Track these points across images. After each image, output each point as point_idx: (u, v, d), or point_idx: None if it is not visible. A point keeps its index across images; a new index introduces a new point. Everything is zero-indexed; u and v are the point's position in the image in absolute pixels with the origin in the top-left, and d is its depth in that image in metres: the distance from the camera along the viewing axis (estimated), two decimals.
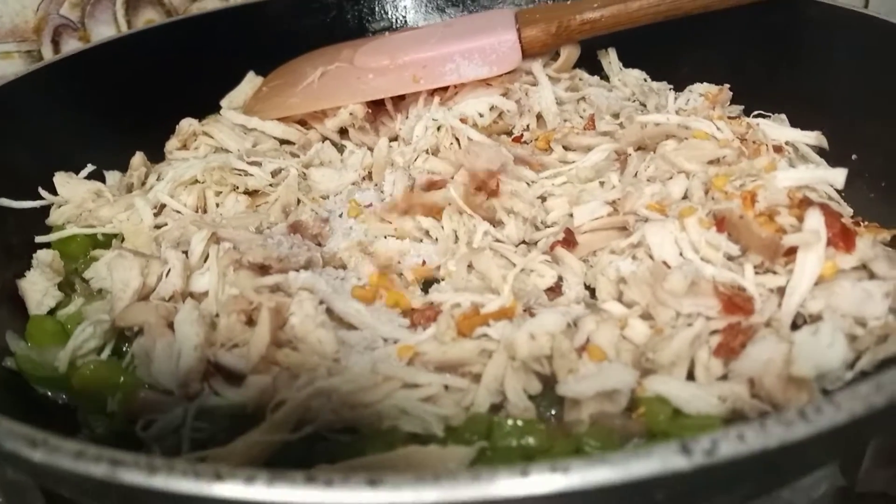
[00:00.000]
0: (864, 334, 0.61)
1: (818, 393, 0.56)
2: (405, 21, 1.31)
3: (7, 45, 1.45)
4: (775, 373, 0.55)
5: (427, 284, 0.79)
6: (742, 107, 1.04)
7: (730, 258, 0.69)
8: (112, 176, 1.01)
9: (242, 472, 0.35)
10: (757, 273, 0.67)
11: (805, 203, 0.67)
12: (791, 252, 0.66)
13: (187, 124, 1.04)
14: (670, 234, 0.68)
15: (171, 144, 1.04)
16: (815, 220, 0.65)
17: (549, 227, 0.84)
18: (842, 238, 0.65)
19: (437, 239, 0.81)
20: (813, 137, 0.85)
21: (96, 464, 0.37)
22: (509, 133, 1.03)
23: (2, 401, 0.66)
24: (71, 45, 1.47)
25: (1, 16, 1.41)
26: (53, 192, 0.93)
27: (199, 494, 0.36)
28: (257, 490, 0.35)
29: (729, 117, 0.86)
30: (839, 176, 0.72)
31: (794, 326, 0.65)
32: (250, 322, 0.65)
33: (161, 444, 0.59)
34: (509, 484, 0.34)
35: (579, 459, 0.34)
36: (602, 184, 0.84)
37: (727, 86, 0.99)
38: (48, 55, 1.47)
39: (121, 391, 0.64)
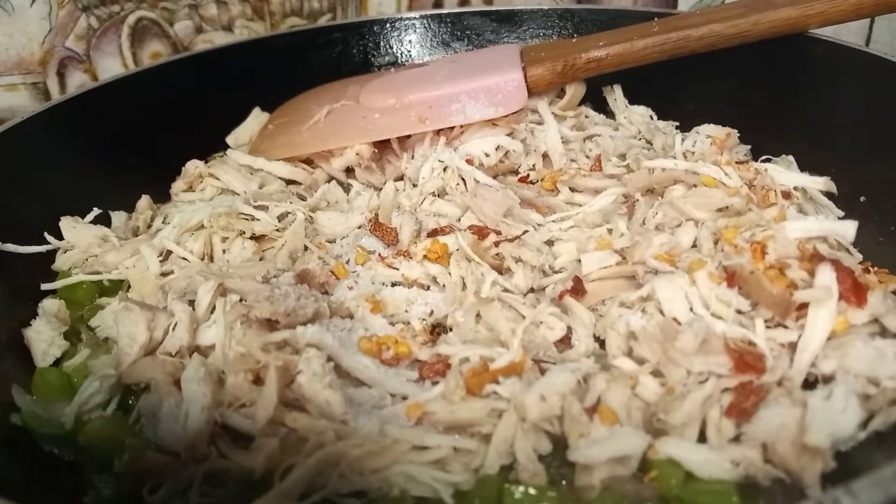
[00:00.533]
0: (877, 394, 0.61)
1: (831, 461, 0.55)
2: (410, 55, 1.32)
3: (13, 77, 1.46)
4: (789, 439, 0.55)
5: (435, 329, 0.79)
6: (749, 146, 1.04)
7: (740, 312, 0.68)
8: (118, 216, 1.01)
9: None
10: (768, 327, 0.67)
11: (816, 258, 0.67)
12: (803, 306, 0.66)
13: (193, 167, 1.04)
14: (680, 289, 0.68)
15: (178, 186, 1.04)
16: (826, 276, 0.64)
17: (557, 272, 0.83)
18: (854, 293, 0.65)
19: (444, 286, 0.81)
20: (822, 183, 0.85)
21: None
22: (515, 172, 1.02)
23: (9, 459, 0.65)
24: (76, 78, 1.48)
25: (7, 48, 1.42)
26: (59, 236, 0.93)
27: None
28: None
29: (737, 162, 0.86)
30: (850, 229, 0.72)
31: (807, 383, 0.64)
32: (258, 381, 0.65)
33: None
34: None
35: None
36: (610, 231, 0.83)
37: (734, 131, 0.99)
38: (53, 87, 1.47)
39: (127, 452, 0.63)
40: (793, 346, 0.65)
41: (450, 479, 0.58)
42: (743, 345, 0.64)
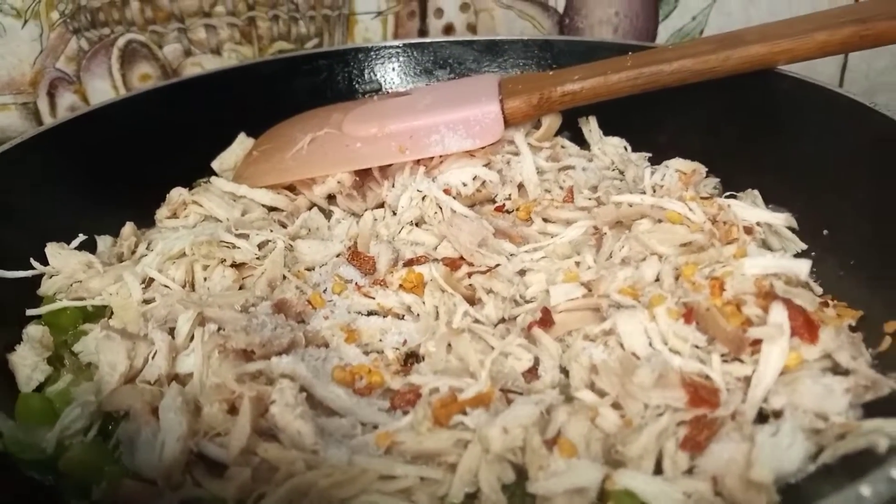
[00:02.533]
0: (826, 428, 0.64)
1: (775, 495, 0.58)
2: (394, 82, 1.35)
3: (4, 97, 1.48)
4: (737, 473, 0.57)
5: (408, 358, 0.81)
6: (718, 180, 1.07)
7: (698, 347, 0.71)
8: (103, 241, 1.03)
9: None
10: (725, 361, 0.70)
11: (770, 296, 0.70)
12: (757, 342, 0.68)
13: (177, 194, 1.06)
14: (640, 324, 0.71)
15: (162, 213, 1.07)
16: (779, 314, 0.68)
17: (528, 301, 0.86)
18: (806, 330, 0.68)
19: (418, 315, 0.83)
20: (783, 219, 0.88)
21: None
22: (492, 201, 1.06)
23: None
24: (66, 98, 1.50)
25: None
26: (45, 261, 0.95)
27: None
28: None
29: (702, 197, 0.89)
30: (804, 267, 0.75)
31: (761, 416, 0.67)
32: (233, 410, 0.67)
33: None
34: None
35: None
36: (578, 263, 0.86)
37: (701, 166, 1.02)
38: (44, 107, 1.50)
39: (105, 479, 0.65)
40: (748, 381, 0.68)
41: None
42: (699, 379, 0.67)
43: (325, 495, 0.60)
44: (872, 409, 0.68)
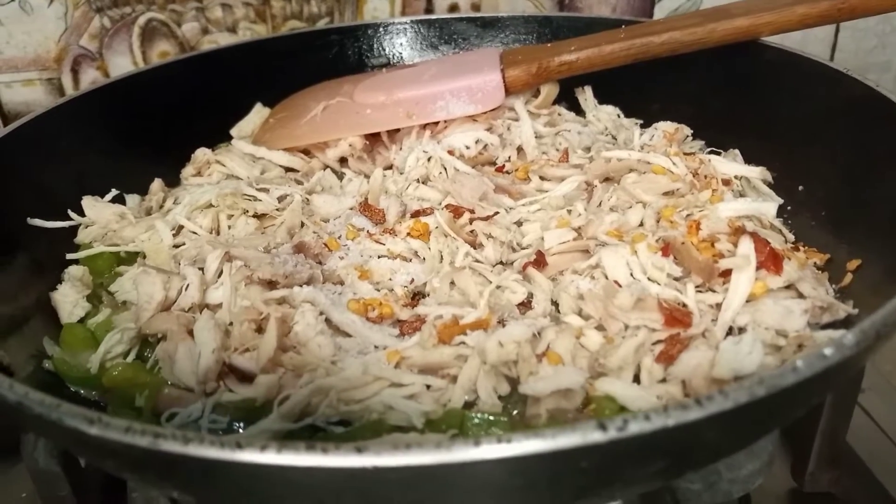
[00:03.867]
0: (786, 344, 0.72)
1: None
2: (401, 57, 1.42)
3: (30, 73, 1.56)
4: (702, 375, 0.66)
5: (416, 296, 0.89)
6: (703, 142, 1.15)
7: (676, 279, 0.79)
8: (132, 199, 1.12)
9: (258, 442, 0.45)
10: (699, 291, 0.78)
11: (739, 231, 0.78)
12: (728, 273, 0.77)
13: (202, 154, 1.14)
14: (622, 258, 0.79)
15: (187, 171, 1.15)
16: (745, 247, 0.76)
17: (524, 248, 0.94)
18: (771, 261, 0.76)
19: (424, 259, 0.92)
20: (758, 172, 0.96)
21: (142, 436, 0.48)
22: (493, 163, 1.13)
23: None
24: (89, 74, 1.57)
25: (25, 46, 1.51)
26: (81, 213, 1.03)
27: (224, 459, 0.46)
28: (269, 456, 0.45)
29: (685, 153, 0.97)
30: (771, 208, 0.83)
31: (729, 334, 0.75)
32: (260, 330, 0.76)
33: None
34: (464, 451, 0.44)
35: (519, 433, 0.45)
36: (570, 212, 0.94)
37: (683, 126, 1.10)
38: (67, 83, 1.57)
39: (147, 389, 0.74)
40: (719, 307, 0.76)
41: (422, 408, 0.68)
42: (674, 304, 0.75)
43: (343, 397, 0.68)
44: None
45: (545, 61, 1.15)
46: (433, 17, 1.43)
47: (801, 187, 1.02)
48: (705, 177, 0.92)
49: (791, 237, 0.93)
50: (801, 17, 1.06)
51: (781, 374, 0.49)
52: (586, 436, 0.45)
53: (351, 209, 1.03)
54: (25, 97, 1.57)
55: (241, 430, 0.68)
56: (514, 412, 0.72)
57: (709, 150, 1.07)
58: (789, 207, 1.01)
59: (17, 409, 0.54)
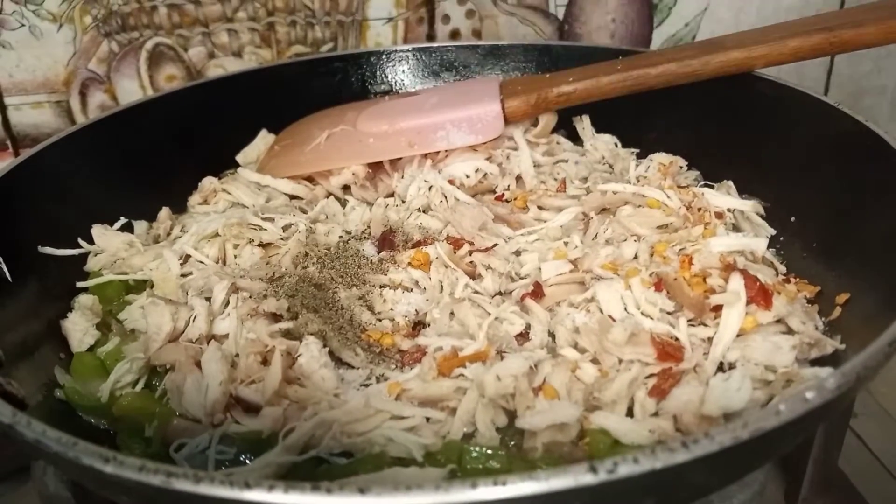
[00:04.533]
0: (774, 380, 0.74)
1: None
2: (404, 84, 1.45)
3: (39, 95, 1.58)
4: (692, 411, 0.68)
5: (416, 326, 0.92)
6: (697, 172, 1.17)
7: (669, 313, 0.82)
8: (140, 225, 1.14)
9: (266, 482, 0.48)
10: (692, 325, 0.80)
11: (730, 268, 0.80)
12: (719, 308, 0.79)
13: (209, 182, 1.17)
14: (617, 293, 0.82)
15: (194, 199, 1.18)
16: (736, 283, 0.78)
17: (522, 278, 0.97)
18: (761, 297, 0.78)
19: (424, 288, 0.94)
20: (749, 206, 0.99)
21: (155, 475, 0.50)
22: (493, 192, 1.16)
23: (55, 425, 0.78)
24: (97, 98, 1.60)
25: (35, 70, 1.54)
26: (91, 241, 1.06)
27: (233, 498, 0.48)
28: (276, 496, 0.48)
29: (679, 186, 1.00)
30: (761, 245, 0.86)
31: (720, 370, 0.77)
32: (265, 362, 0.78)
33: (190, 463, 0.72)
34: (461, 493, 0.47)
35: (514, 475, 0.47)
36: (566, 244, 0.97)
37: (679, 158, 1.12)
38: (76, 106, 1.60)
39: (157, 419, 0.76)
40: (710, 340, 0.79)
41: (421, 441, 0.71)
42: (666, 338, 0.77)
43: (345, 430, 0.71)
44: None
45: (544, 92, 1.17)
46: (435, 45, 1.46)
47: (793, 218, 1.04)
48: (699, 210, 0.95)
49: (782, 269, 0.96)
50: (794, 50, 1.09)
51: (765, 416, 0.52)
52: (578, 478, 0.47)
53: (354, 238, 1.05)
54: (34, 119, 1.59)
55: (248, 462, 0.70)
56: (512, 443, 0.74)
57: (702, 183, 1.10)
58: (782, 238, 1.04)
59: (34, 447, 0.57)
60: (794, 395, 0.53)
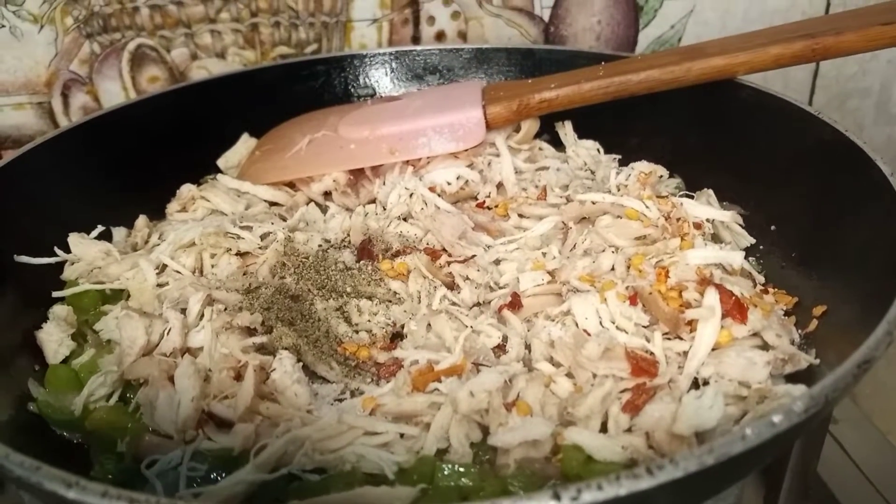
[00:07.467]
0: (748, 395, 0.74)
1: (696, 446, 0.68)
2: (387, 87, 1.45)
3: (20, 97, 1.57)
4: (665, 428, 0.68)
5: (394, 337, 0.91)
6: (679, 180, 1.17)
7: (645, 326, 0.82)
8: (118, 232, 1.13)
9: None
10: (667, 338, 0.80)
11: (706, 282, 0.80)
12: (694, 322, 0.79)
13: (187, 190, 1.16)
14: (592, 306, 0.81)
15: (172, 207, 1.17)
16: (711, 298, 0.78)
17: (501, 287, 0.96)
18: (737, 311, 0.78)
19: (402, 300, 0.94)
20: (728, 216, 0.99)
21: (118, 500, 0.50)
22: (474, 198, 1.16)
23: (29, 440, 0.78)
24: (79, 99, 1.59)
25: (16, 71, 1.53)
26: (67, 250, 1.05)
27: None
28: None
29: (658, 196, 1.00)
30: (737, 258, 0.86)
31: (695, 385, 0.77)
32: (238, 377, 0.78)
33: (162, 479, 0.71)
34: None
35: (477, 503, 0.47)
36: (544, 254, 0.97)
37: (658, 168, 1.12)
38: (58, 107, 1.59)
39: (129, 434, 0.76)
40: (685, 355, 0.78)
41: (394, 458, 0.71)
42: (641, 353, 0.77)
43: (318, 446, 0.70)
44: (795, 381, 0.79)
45: (525, 98, 1.17)
46: (418, 48, 1.45)
47: (773, 227, 1.04)
48: (677, 220, 0.94)
49: (761, 279, 0.96)
50: (776, 58, 1.09)
51: (731, 442, 0.52)
52: None
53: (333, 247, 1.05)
54: (16, 120, 1.58)
55: (220, 479, 0.70)
56: (486, 458, 0.74)
57: (682, 193, 1.10)
58: (761, 247, 1.04)
59: None
60: (761, 420, 0.53)
